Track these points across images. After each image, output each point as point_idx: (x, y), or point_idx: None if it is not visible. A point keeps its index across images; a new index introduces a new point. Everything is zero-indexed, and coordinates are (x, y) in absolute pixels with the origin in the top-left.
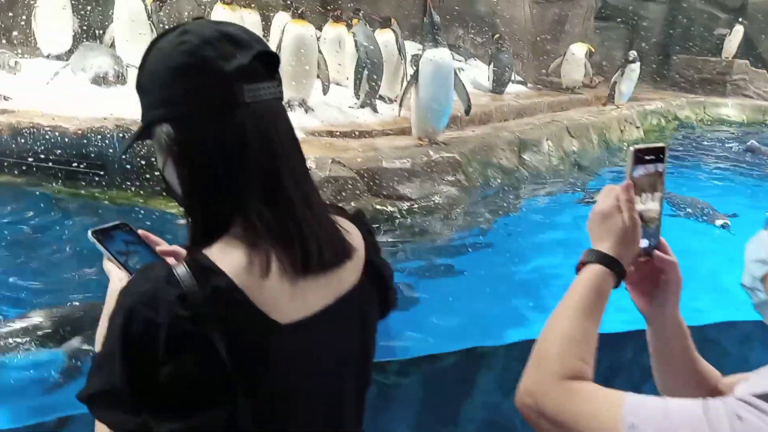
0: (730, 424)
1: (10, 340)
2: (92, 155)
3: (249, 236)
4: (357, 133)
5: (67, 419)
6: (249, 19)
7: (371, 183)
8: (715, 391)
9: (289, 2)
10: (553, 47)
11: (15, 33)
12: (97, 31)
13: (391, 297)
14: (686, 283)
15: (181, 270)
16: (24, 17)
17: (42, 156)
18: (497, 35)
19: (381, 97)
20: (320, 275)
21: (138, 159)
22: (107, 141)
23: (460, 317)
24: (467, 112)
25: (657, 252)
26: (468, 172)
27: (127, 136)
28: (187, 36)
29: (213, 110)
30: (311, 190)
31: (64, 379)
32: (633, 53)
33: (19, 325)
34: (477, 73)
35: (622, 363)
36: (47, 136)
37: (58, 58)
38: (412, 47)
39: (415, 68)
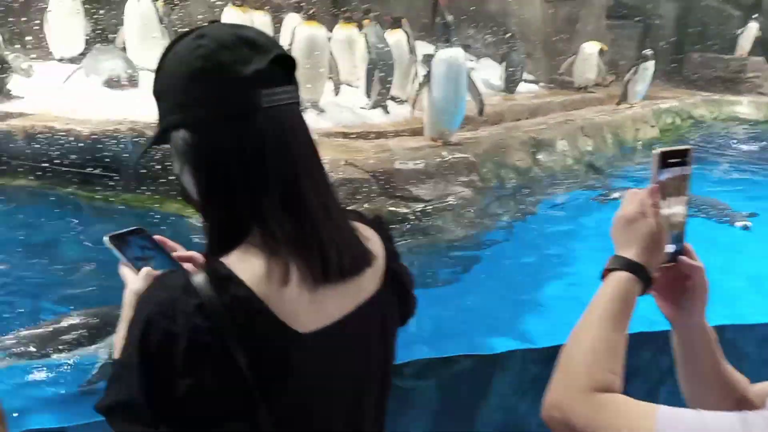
0: None
1: (57, 340)
2: (106, 158)
3: (268, 244)
4: (372, 134)
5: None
6: (259, 21)
7: (385, 184)
8: (743, 399)
9: (300, 3)
10: (566, 46)
11: (28, 37)
12: (109, 35)
13: (410, 303)
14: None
15: (199, 279)
16: (37, 21)
17: (56, 159)
18: (509, 34)
19: (392, 98)
20: (340, 283)
21: (152, 163)
22: (121, 144)
23: (475, 319)
24: (480, 112)
25: (682, 257)
26: (482, 172)
27: (140, 140)
28: (203, 40)
29: (230, 116)
30: (330, 196)
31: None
32: (648, 51)
33: (55, 327)
34: (488, 73)
35: (638, 365)
36: (61, 140)
37: (71, 61)
38: (422, 47)
39: (426, 68)
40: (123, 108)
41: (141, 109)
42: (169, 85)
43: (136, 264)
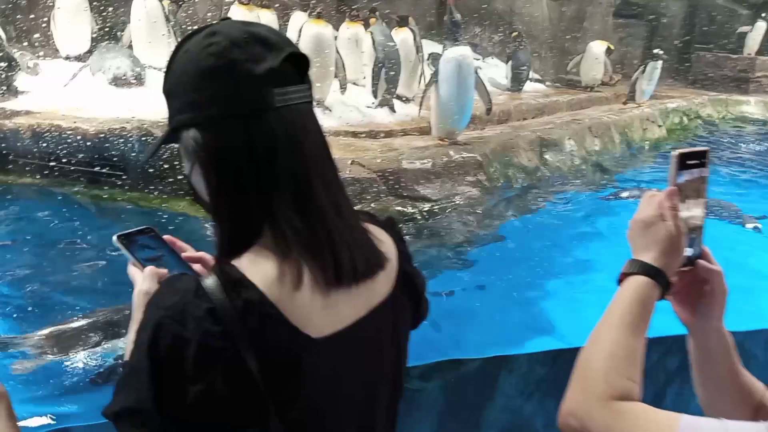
0: None
1: (74, 339)
2: (112, 157)
3: (279, 246)
4: (377, 133)
5: None
6: (266, 19)
7: (391, 184)
8: (760, 406)
9: (306, 2)
10: (572, 45)
11: (36, 35)
12: (118, 33)
13: (423, 307)
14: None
15: (210, 282)
16: (45, 19)
17: (62, 157)
18: (515, 33)
19: (398, 97)
20: (352, 286)
21: (160, 162)
22: (128, 143)
23: (482, 321)
24: (488, 111)
25: (700, 261)
26: (489, 172)
27: (147, 138)
28: (215, 37)
29: (241, 115)
30: (343, 198)
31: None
32: (658, 50)
33: (69, 326)
34: (494, 72)
35: (646, 367)
36: (68, 138)
37: (77, 59)
38: (428, 46)
39: (433, 67)
40: (129, 106)
41: (147, 107)
42: (180, 83)
43: (145, 264)
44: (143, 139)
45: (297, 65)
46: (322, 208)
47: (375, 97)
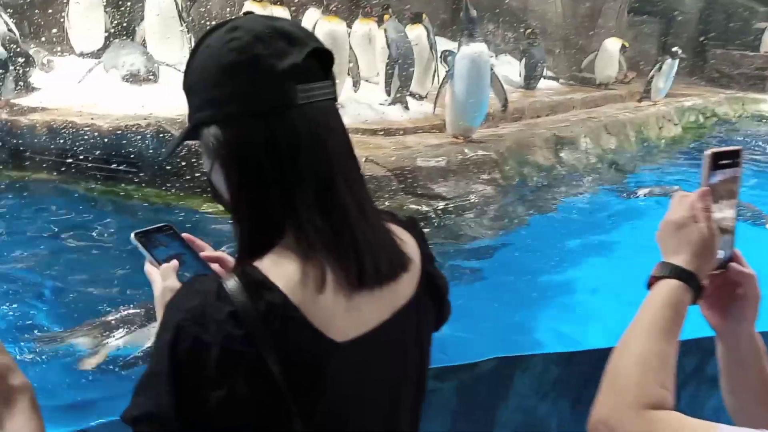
0: None
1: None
2: (127, 153)
3: (302, 247)
4: (391, 131)
5: None
6: (278, 15)
7: (406, 182)
8: None
9: None
10: (586, 42)
11: (54, 30)
12: (136, 28)
13: (445, 309)
14: None
15: (231, 284)
16: (63, 14)
17: (77, 154)
18: (529, 30)
19: (411, 94)
20: (376, 289)
21: (177, 159)
22: (145, 140)
23: (497, 321)
24: (504, 109)
25: (733, 264)
26: (504, 170)
27: (163, 135)
28: (237, 32)
29: (263, 112)
30: (365, 197)
31: None
32: (677, 49)
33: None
34: (507, 69)
35: None
36: (83, 135)
37: (91, 56)
38: (442, 43)
39: (448, 65)
40: (143, 103)
41: (161, 104)
42: (200, 79)
43: (162, 263)
44: (161, 136)
45: (321, 61)
46: (345, 207)
47: (388, 94)
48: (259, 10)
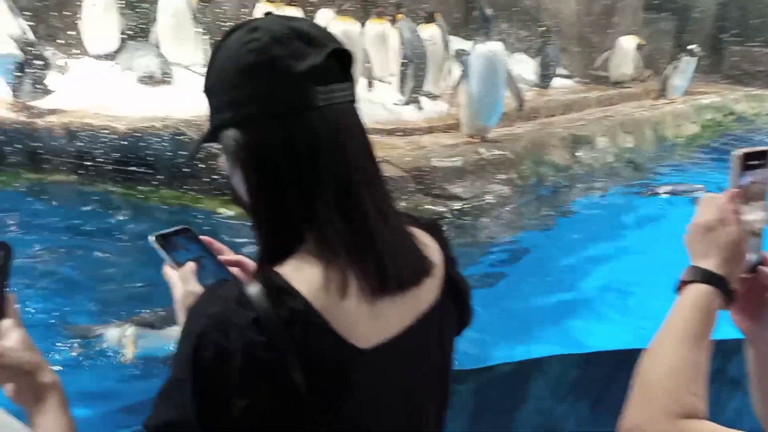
0: None
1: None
2: (144, 155)
3: (323, 251)
4: (405, 131)
5: None
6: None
7: (422, 182)
8: None
9: None
10: (601, 40)
11: (71, 32)
12: (150, 29)
13: (468, 314)
14: None
15: (253, 290)
16: (79, 16)
17: (94, 156)
18: (544, 28)
19: (425, 93)
20: (398, 294)
21: (196, 161)
22: (160, 141)
23: (514, 322)
24: (520, 108)
25: (763, 267)
26: (520, 170)
27: (180, 137)
28: (256, 33)
29: (281, 113)
30: (386, 201)
31: None
32: (695, 46)
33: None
34: (521, 68)
35: None
36: (101, 138)
37: (106, 57)
38: (454, 42)
39: (462, 64)
40: (157, 104)
41: (175, 106)
42: (219, 81)
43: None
44: (178, 138)
45: (341, 62)
46: (365, 211)
47: (402, 94)
48: (272, 9)
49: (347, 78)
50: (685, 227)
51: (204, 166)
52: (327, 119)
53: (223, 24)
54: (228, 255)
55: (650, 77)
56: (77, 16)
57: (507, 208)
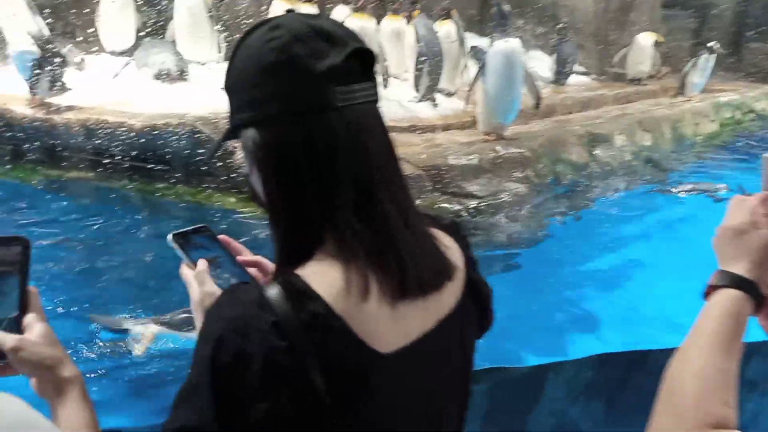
0: None
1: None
2: (161, 153)
3: (344, 254)
4: (421, 128)
5: None
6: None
7: (438, 180)
8: None
9: None
10: (618, 37)
11: (90, 29)
12: (166, 26)
13: (488, 317)
14: None
15: (273, 293)
16: (96, 13)
17: (111, 153)
18: (560, 25)
19: (441, 91)
20: (419, 298)
21: (213, 159)
22: (177, 139)
23: (530, 322)
24: (537, 105)
25: None
26: (537, 168)
27: (198, 135)
28: (277, 31)
29: (301, 112)
30: (408, 203)
31: None
32: (715, 43)
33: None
34: (537, 65)
35: None
36: (118, 135)
37: (122, 54)
38: (470, 39)
39: (478, 61)
40: (174, 101)
41: (192, 103)
42: (239, 80)
43: None
44: (195, 136)
45: (363, 61)
46: (386, 213)
47: (417, 91)
48: (288, 6)
49: (369, 77)
50: (714, 229)
51: (221, 163)
52: (347, 119)
53: (239, 21)
54: (246, 255)
55: (668, 74)
56: (95, 13)
57: (524, 207)
